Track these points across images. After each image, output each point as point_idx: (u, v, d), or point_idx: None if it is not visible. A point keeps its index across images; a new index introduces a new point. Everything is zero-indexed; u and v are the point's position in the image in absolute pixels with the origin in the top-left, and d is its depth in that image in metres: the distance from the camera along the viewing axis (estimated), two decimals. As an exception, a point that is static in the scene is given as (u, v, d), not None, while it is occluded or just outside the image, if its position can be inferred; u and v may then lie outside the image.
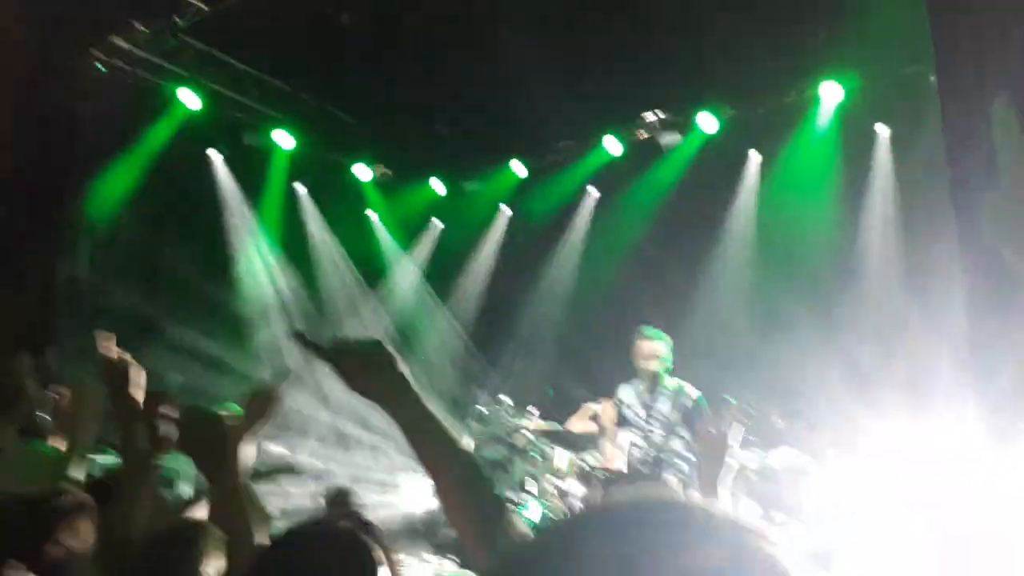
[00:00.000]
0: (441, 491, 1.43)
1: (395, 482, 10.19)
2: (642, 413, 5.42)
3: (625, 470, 5.47)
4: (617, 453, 5.50)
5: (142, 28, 8.51)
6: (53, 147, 8.05)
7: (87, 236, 8.44)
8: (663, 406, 5.32)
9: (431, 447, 1.42)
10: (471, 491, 1.39)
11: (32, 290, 7.87)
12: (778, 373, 7.51)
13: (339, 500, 2.99)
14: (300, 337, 1.58)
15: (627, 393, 5.59)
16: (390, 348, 1.52)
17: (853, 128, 9.00)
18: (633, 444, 5.44)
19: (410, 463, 9.11)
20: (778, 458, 7.31)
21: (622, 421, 5.55)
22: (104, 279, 8.39)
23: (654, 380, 5.41)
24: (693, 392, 5.37)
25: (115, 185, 8.53)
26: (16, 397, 3.57)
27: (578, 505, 8.29)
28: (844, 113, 9.00)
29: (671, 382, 5.45)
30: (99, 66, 8.55)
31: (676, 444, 5.24)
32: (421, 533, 7.90)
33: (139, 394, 2.40)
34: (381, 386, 1.48)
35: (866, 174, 9.05)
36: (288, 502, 7.03)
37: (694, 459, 4.90)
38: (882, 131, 9.03)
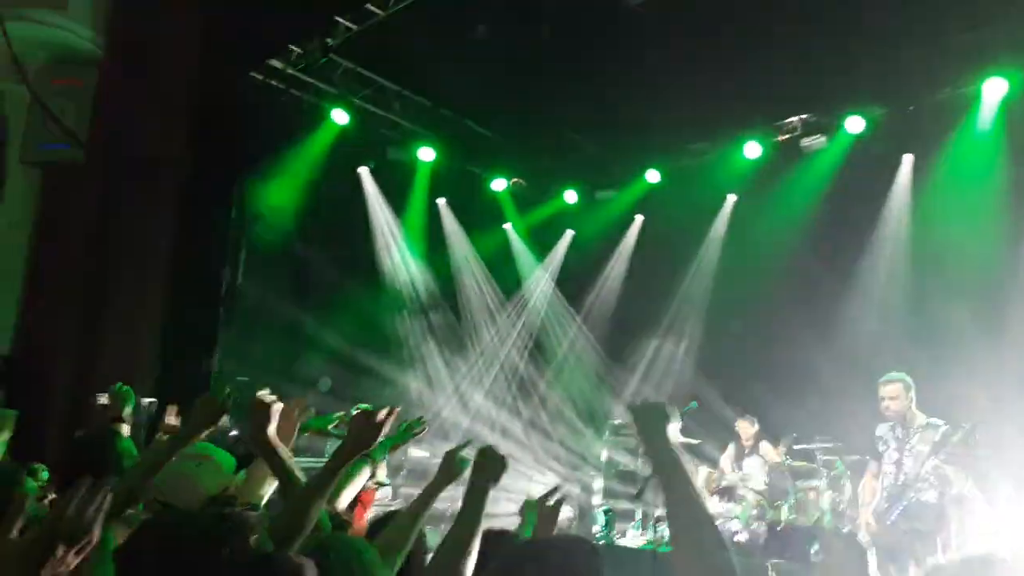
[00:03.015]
0: (671, 523, 1.77)
1: (531, 492, 10.23)
2: (894, 446, 5.96)
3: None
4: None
5: (296, 49, 9.01)
6: (217, 163, 8.63)
7: (245, 247, 8.96)
8: (915, 440, 5.84)
9: (671, 494, 1.74)
10: (696, 538, 1.67)
11: (198, 297, 8.41)
12: (941, 387, 7.05)
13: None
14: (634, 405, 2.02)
15: (881, 430, 6.13)
16: (668, 409, 1.92)
17: (1019, 126, 8.38)
18: (884, 473, 6.01)
19: (544, 475, 9.14)
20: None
21: (876, 455, 6.14)
22: (260, 288, 8.90)
23: (902, 420, 5.93)
24: (939, 424, 5.81)
25: (271, 198, 9.03)
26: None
27: (723, 526, 8.09)
28: (1009, 110, 8.39)
29: (920, 418, 5.92)
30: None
31: (928, 473, 5.71)
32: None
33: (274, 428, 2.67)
34: (651, 433, 1.88)
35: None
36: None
37: (940, 486, 5.58)
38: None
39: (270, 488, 2.89)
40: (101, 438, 3.53)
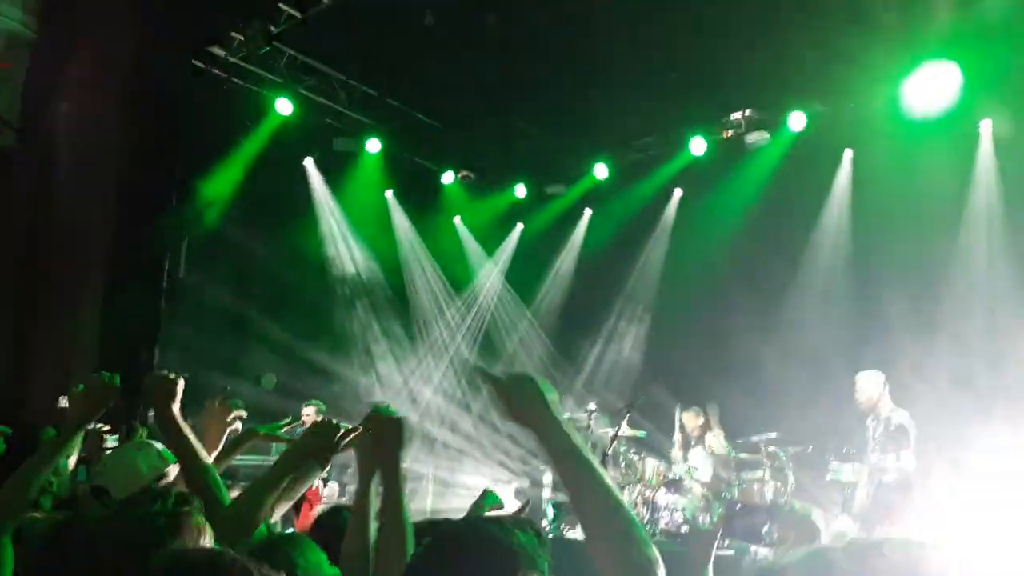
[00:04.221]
0: (581, 514, 1.51)
1: (478, 486, 10.18)
2: (868, 437, 6.43)
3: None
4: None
5: (238, 36, 8.78)
6: (156, 153, 8.38)
7: (187, 237, 8.72)
8: (878, 431, 6.34)
9: (573, 471, 1.52)
10: (609, 515, 1.47)
11: (139, 290, 8.16)
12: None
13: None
14: (480, 371, 1.77)
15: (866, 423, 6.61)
16: (540, 382, 1.64)
17: (953, 123, 8.60)
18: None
19: (493, 469, 9.12)
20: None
21: (863, 448, 6.55)
22: (203, 278, 8.68)
23: (870, 413, 6.48)
24: (896, 416, 6.31)
25: (213, 188, 8.81)
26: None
27: (669, 517, 8.13)
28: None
29: (885, 410, 6.41)
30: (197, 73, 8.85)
31: (887, 461, 6.16)
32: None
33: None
34: (532, 414, 1.60)
35: (969, 169, 8.67)
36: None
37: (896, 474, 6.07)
38: (986, 127, 8.64)
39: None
40: (27, 434, 3.43)
